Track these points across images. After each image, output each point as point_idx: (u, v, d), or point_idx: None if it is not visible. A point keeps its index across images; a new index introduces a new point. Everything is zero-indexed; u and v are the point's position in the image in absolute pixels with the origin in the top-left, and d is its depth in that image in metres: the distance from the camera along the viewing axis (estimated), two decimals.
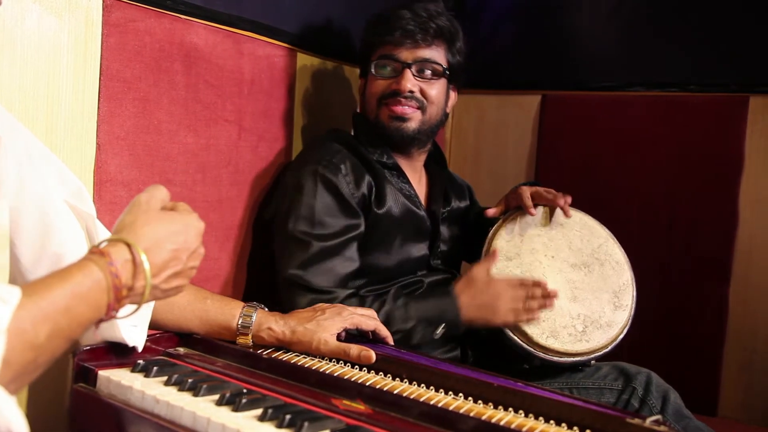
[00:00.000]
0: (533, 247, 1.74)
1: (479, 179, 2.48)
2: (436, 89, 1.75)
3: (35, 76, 1.25)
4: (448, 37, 1.75)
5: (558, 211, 1.78)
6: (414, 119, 1.73)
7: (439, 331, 1.62)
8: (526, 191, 1.78)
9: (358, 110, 1.91)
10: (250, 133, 1.74)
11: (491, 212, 1.82)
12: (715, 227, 2.23)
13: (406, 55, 1.71)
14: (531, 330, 1.63)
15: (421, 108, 1.73)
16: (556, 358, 1.64)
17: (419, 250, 1.78)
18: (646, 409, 1.64)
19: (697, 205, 2.27)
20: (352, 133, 1.85)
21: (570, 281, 1.72)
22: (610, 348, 1.67)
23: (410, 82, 1.70)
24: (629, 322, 1.71)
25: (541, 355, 1.63)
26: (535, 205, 1.77)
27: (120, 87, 1.40)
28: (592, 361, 1.70)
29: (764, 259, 2.19)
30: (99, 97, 1.36)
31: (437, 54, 1.74)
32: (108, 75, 1.37)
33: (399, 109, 1.71)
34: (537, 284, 1.65)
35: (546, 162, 2.53)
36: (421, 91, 1.72)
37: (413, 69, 1.71)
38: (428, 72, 1.74)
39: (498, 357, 1.74)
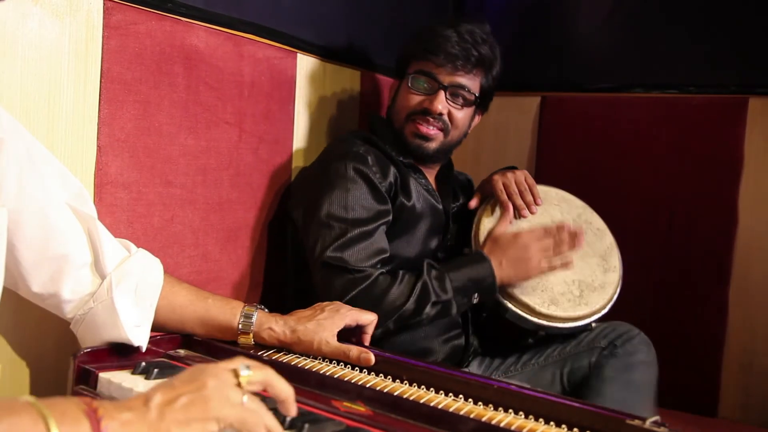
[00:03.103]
0: (519, 225, 1.78)
1: (479, 180, 2.48)
2: (463, 114, 1.78)
3: (36, 79, 1.25)
4: (487, 66, 1.78)
5: (534, 191, 1.83)
6: (436, 140, 1.78)
7: (474, 300, 1.65)
8: (498, 183, 1.83)
9: (367, 109, 1.92)
10: (251, 135, 1.74)
11: (472, 204, 1.88)
12: (715, 228, 2.24)
13: (443, 76, 1.74)
14: (532, 301, 1.67)
15: (445, 130, 1.77)
16: (560, 325, 1.69)
17: (434, 243, 1.82)
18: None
19: (696, 206, 2.27)
20: (369, 132, 1.88)
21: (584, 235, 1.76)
22: (607, 308, 1.73)
23: (442, 103, 1.74)
24: (620, 282, 1.78)
25: (545, 323, 1.68)
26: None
27: (121, 89, 1.40)
28: (593, 324, 1.75)
29: (764, 259, 2.19)
30: (100, 99, 1.36)
31: (473, 83, 1.77)
32: (109, 77, 1.37)
33: (424, 129, 1.76)
34: (561, 228, 1.70)
35: (546, 163, 2.54)
36: (449, 114, 1.76)
37: (447, 92, 1.74)
38: (460, 99, 1.76)
39: (500, 339, 1.79)
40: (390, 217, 1.68)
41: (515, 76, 2.56)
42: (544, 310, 1.67)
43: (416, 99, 1.76)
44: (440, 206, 1.83)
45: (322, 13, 1.99)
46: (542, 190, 1.86)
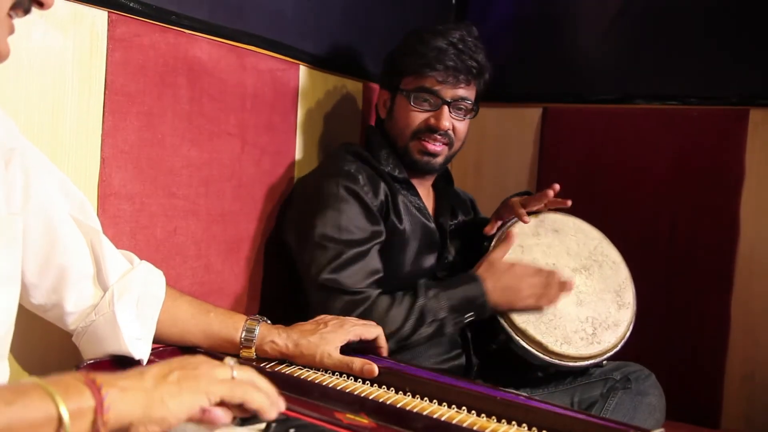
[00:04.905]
0: (534, 256, 1.76)
1: (481, 192, 2.48)
2: (464, 125, 1.78)
3: (40, 91, 1.26)
4: (483, 75, 1.77)
5: (551, 216, 1.82)
6: (442, 155, 1.77)
7: (467, 318, 1.65)
8: (517, 203, 1.81)
9: (369, 121, 1.90)
10: (253, 146, 1.75)
11: (488, 230, 1.84)
12: (717, 239, 2.24)
13: (446, 92, 1.72)
14: (545, 339, 1.65)
15: (450, 144, 1.77)
16: (571, 364, 1.67)
17: (428, 261, 1.80)
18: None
19: (698, 217, 2.27)
20: (364, 146, 1.86)
21: (574, 286, 1.73)
22: (620, 346, 1.71)
23: (448, 120, 1.73)
24: (633, 319, 1.75)
25: (557, 362, 1.66)
26: (528, 213, 1.80)
27: (124, 101, 1.40)
28: (604, 362, 1.73)
29: (765, 270, 2.18)
30: (103, 111, 1.37)
31: (471, 93, 1.77)
32: (112, 89, 1.38)
33: (431, 146, 1.74)
34: (552, 272, 1.69)
35: (547, 174, 2.54)
36: (453, 128, 1.75)
37: (450, 107, 1.73)
38: (461, 110, 1.76)
39: (505, 366, 1.77)
40: (383, 237, 1.67)
41: (516, 87, 2.59)
42: (556, 348, 1.64)
43: (420, 117, 1.74)
44: (432, 224, 1.81)
45: (325, 26, 2.00)
46: (559, 219, 1.83)
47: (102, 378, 0.75)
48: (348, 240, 1.60)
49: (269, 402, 0.85)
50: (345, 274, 1.58)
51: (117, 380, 0.77)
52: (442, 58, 1.70)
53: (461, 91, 1.74)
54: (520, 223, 1.79)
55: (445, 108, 1.72)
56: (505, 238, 1.74)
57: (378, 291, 1.59)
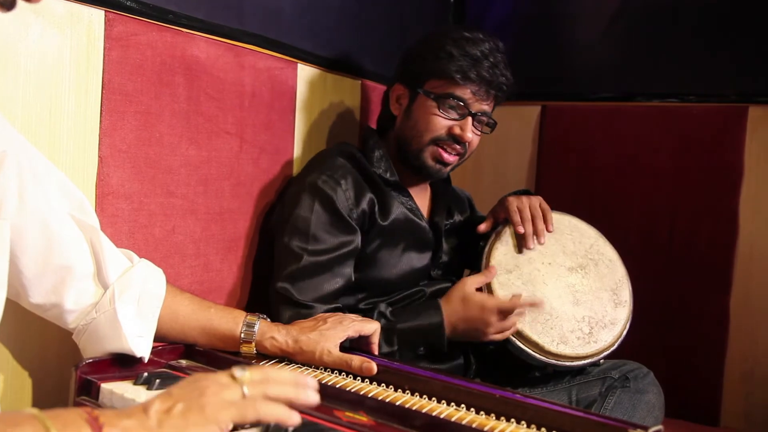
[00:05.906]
0: (529, 256, 1.75)
1: (480, 190, 2.48)
2: (478, 139, 1.76)
3: (38, 90, 1.26)
4: (506, 94, 1.75)
5: (548, 218, 1.80)
6: (452, 164, 1.76)
7: (420, 351, 1.64)
8: (513, 204, 1.79)
9: (366, 119, 1.88)
10: (252, 145, 1.75)
11: (482, 228, 1.83)
12: (716, 237, 2.24)
13: (473, 103, 1.69)
14: (541, 339, 1.64)
15: (463, 155, 1.75)
16: (568, 363, 1.66)
17: (421, 261, 1.79)
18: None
19: (697, 215, 2.27)
20: (360, 146, 1.86)
21: (570, 285, 1.74)
22: (616, 345, 1.70)
23: (471, 132, 1.70)
24: (630, 317, 1.75)
25: (554, 362, 1.66)
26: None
27: (122, 100, 1.40)
28: (601, 361, 1.72)
29: (765, 268, 2.19)
30: (101, 110, 1.37)
31: (491, 107, 1.75)
32: (110, 88, 1.38)
33: (446, 156, 1.72)
34: (515, 306, 1.62)
35: (546, 172, 2.54)
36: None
37: (474, 119, 1.71)
38: (482, 125, 1.74)
39: (503, 366, 1.76)
40: (354, 246, 1.65)
41: (515, 85, 2.57)
42: (553, 348, 1.64)
43: (444, 124, 1.70)
44: (423, 223, 1.79)
45: (323, 24, 2.00)
46: (555, 218, 1.81)
47: (105, 416, 0.72)
48: (312, 249, 1.60)
49: (286, 413, 0.80)
50: (299, 285, 1.58)
51: (120, 419, 0.73)
52: (478, 69, 1.66)
53: (486, 106, 1.72)
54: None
55: (470, 119, 1.69)
56: (488, 269, 1.71)
57: (327, 306, 1.57)
